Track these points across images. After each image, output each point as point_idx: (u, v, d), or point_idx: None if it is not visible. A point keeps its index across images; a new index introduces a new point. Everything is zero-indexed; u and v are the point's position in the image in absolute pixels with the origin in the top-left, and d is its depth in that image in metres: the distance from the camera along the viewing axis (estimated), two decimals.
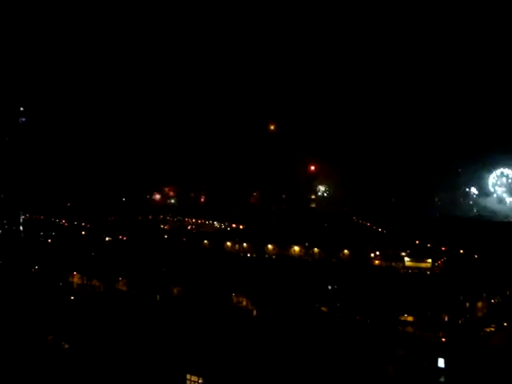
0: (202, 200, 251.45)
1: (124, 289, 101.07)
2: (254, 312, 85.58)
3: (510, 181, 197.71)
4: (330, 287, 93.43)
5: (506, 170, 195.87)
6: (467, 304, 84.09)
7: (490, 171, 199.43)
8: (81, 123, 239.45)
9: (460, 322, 78.86)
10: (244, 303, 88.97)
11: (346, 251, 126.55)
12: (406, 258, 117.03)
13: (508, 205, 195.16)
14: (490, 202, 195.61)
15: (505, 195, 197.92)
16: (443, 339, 71.95)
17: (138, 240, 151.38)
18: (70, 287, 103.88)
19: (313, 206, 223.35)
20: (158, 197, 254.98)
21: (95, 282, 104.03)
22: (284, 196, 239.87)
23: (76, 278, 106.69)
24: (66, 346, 67.96)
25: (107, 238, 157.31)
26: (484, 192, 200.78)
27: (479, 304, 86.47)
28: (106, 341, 67.81)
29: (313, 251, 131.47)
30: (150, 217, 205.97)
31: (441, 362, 62.23)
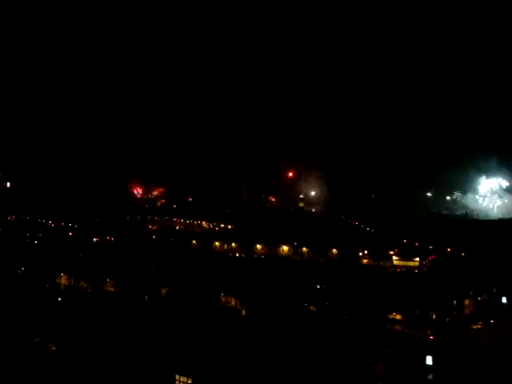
0: (190, 200, 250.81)
1: (112, 290, 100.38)
2: (243, 312, 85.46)
3: (497, 184, 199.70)
4: (318, 286, 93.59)
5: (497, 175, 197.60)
6: (454, 302, 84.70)
7: (478, 174, 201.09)
8: (70, 124, 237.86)
9: (448, 319, 79.44)
10: (233, 303, 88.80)
11: (334, 250, 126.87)
12: (394, 257, 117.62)
13: (494, 206, 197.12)
14: (477, 203, 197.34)
15: (491, 197, 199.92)
16: (431, 337, 72.43)
17: (125, 241, 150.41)
18: (58, 288, 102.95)
19: (301, 205, 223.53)
20: (145, 197, 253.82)
21: (83, 283, 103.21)
22: (272, 196, 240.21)
23: (63, 279, 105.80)
24: (54, 348, 67.29)
25: (95, 239, 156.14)
26: (471, 194, 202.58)
27: (466, 302, 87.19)
28: (94, 342, 67.27)
29: (301, 251, 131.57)
30: (138, 217, 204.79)
31: (429, 360, 62.64)
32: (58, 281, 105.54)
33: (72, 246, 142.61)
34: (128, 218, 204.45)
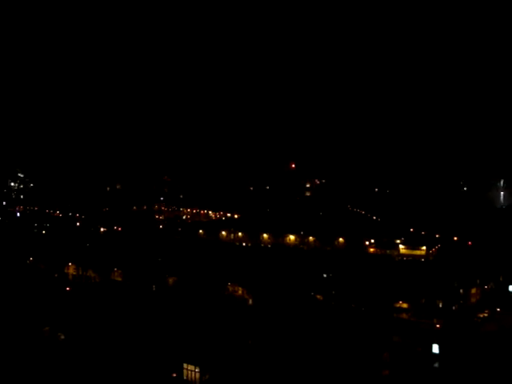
0: (197, 190, 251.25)
1: (119, 279, 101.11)
2: (250, 301, 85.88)
3: None
4: (325, 275, 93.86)
5: None
6: (461, 290, 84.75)
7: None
8: (73, 117, 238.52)
9: (454, 308, 79.49)
10: (240, 292, 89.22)
11: (341, 239, 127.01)
12: (401, 246, 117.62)
13: None
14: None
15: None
16: (437, 325, 72.53)
17: (132, 230, 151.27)
18: (66, 278, 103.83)
19: (308, 194, 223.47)
20: (153, 187, 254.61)
21: (90, 273, 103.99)
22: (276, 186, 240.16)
23: (71, 269, 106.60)
24: (62, 337, 68.05)
25: (102, 229, 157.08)
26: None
27: (473, 290, 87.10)
28: (102, 332, 67.94)
29: (308, 240, 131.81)
30: (145, 207, 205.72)
31: (435, 348, 62.81)
32: (66, 271, 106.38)
33: (80, 236, 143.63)
34: (135, 208, 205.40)
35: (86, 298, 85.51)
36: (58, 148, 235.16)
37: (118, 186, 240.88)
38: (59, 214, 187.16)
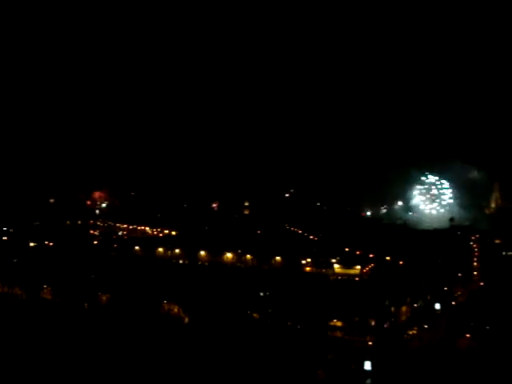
0: (134, 205, 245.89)
1: (49, 297, 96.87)
2: (186, 319, 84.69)
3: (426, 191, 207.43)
4: (261, 294, 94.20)
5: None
6: (392, 309, 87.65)
7: (412, 184, 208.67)
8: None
9: (385, 326, 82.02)
10: (176, 310, 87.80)
11: (278, 258, 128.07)
12: (336, 265, 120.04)
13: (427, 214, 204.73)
14: (414, 214, 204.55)
15: (425, 204, 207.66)
16: (370, 343, 74.53)
17: (65, 246, 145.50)
18: None
19: (246, 212, 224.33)
20: (88, 201, 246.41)
21: (17, 291, 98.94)
22: (217, 203, 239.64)
23: None
24: None
25: (31, 244, 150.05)
26: (408, 205, 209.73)
27: (403, 308, 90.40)
28: (28, 352, 64.68)
29: (245, 258, 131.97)
30: (79, 222, 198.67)
31: (367, 365, 64.41)
32: None
33: (6, 251, 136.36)
34: (68, 222, 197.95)
35: (12, 316, 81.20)
36: None
37: (51, 200, 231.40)
38: None
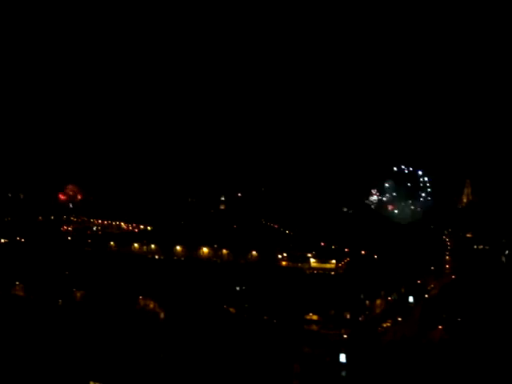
0: (109, 200, 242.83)
1: (21, 294, 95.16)
2: (162, 315, 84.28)
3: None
4: (238, 288, 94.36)
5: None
6: (367, 302, 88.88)
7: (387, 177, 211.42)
8: None
9: (360, 319, 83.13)
10: (151, 306, 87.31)
11: (254, 253, 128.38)
12: (312, 259, 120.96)
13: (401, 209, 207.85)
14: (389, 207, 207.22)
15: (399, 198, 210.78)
16: (345, 336, 75.46)
17: (37, 242, 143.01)
18: None
19: (222, 207, 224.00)
20: (61, 196, 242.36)
21: None
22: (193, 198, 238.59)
23: None
24: None
25: (2, 240, 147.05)
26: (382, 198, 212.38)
27: (378, 302, 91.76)
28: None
29: (221, 253, 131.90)
30: (52, 217, 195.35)
31: (342, 358, 65.24)
32: None
33: None
34: (40, 218, 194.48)
35: None
36: None
37: (21, 195, 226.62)
38: None
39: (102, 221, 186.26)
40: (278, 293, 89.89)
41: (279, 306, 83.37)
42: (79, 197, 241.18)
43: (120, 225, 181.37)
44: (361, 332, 77.50)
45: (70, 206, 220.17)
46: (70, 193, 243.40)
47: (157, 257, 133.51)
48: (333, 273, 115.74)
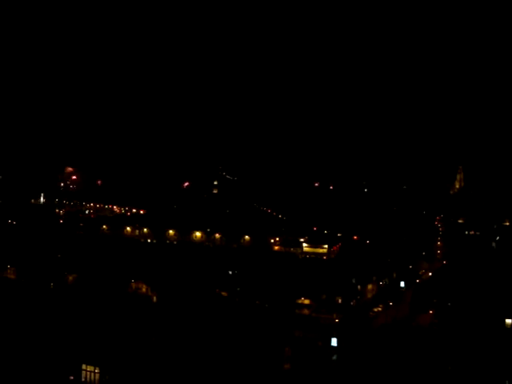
0: (101, 183, 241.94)
1: (13, 277, 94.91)
2: (154, 298, 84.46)
3: None
4: (230, 272, 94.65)
5: None
6: (359, 287, 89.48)
7: None
8: None
9: (352, 303, 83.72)
10: (144, 289, 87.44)
11: (246, 237, 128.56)
12: (304, 244, 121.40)
13: None
14: None
15: None
16: (336, 320, 75.98)
17: (29, 225, 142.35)
18: None
19: (215, 191, 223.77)
20: (53, 180, 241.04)
21: None
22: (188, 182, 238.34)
23: None
24: None
25: None
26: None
27: (369, 286, 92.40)
28: None
29: (214, 237, 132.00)
30: (44, 200, 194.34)
31: (334, 342, 65.74)
32: None
33: None
34: (33, 201, 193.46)
35: None
36: None
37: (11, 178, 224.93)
38: None
39: (95, 204, 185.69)
40: (271, 277, 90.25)
41: (271, 290, 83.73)
42: (72, 180, 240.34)
43: (113, 208, 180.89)
44: (352, 316, 78.06)
45: (63, 190, 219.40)
46: (63, 177, 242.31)
47: (149, 240, 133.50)
48: (325, 257, 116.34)
